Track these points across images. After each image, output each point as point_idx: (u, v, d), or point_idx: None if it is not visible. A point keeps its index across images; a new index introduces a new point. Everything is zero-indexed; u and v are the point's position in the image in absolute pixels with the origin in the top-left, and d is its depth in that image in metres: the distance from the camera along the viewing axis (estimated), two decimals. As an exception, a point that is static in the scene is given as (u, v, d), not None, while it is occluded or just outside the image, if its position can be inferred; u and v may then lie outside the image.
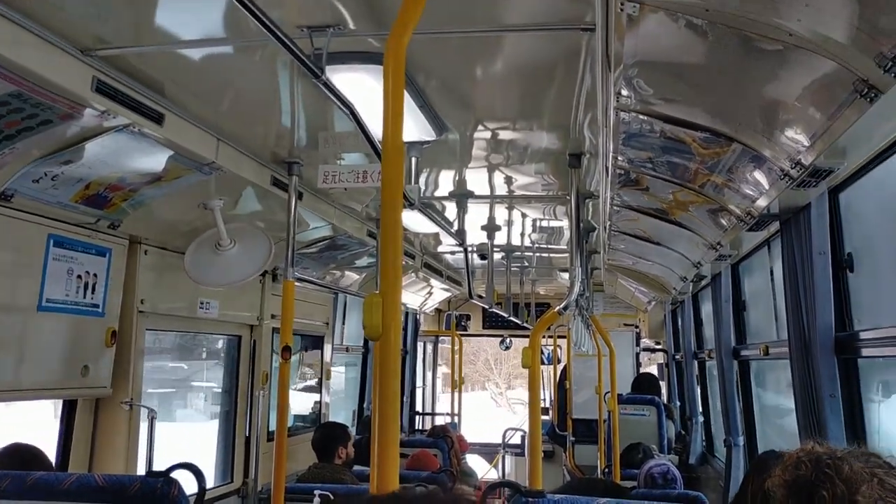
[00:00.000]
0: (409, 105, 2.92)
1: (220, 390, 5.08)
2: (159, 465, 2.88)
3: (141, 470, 3.67)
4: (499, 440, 10.40)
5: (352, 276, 6.45)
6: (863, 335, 2.74)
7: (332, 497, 4.13)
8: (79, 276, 3.33)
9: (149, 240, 3.83)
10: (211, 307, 4.40)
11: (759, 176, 2.88)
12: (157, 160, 3.13)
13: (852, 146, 2.37)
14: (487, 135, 3.58)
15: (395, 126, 1.57)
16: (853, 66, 1.82)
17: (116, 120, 2.66)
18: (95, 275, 3.44)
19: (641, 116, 2.68)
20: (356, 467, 5.00)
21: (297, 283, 3.78)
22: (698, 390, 7.33)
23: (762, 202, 3.08)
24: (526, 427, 11.41)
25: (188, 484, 2.34)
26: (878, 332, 2.62)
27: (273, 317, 5.14)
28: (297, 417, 6.21)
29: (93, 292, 3.43)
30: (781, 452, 2.31)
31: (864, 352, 2.71)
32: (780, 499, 1.51)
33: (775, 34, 1.84)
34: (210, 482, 4.66)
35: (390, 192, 1.57)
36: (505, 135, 3.57)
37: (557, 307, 3.49)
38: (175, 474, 2.31)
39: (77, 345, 3.41)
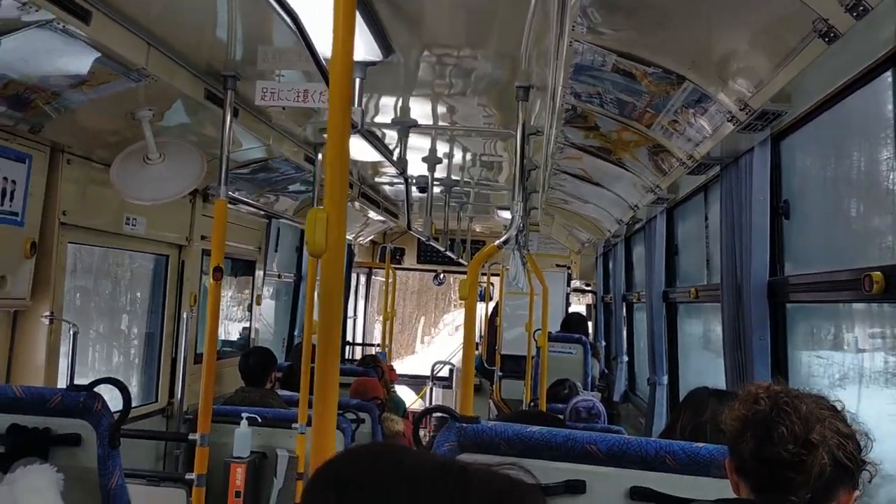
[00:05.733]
0: (357, 20, 2.78)
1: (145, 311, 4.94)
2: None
3: (63, 386, 3.55)
4: (426, 373, 10.58)
5: (286, 202, 6.29)
6: (793, 280, 2.81)
7: (259, 420, 4.12)
8: (-5, 182, 3.13)
9: (72, 149, 3.61)
10: (138, 224, 4.22)
11: (705, 118, 2.89)
12: (82, 62, 2.92)
13: (801, 91, 2.38)
14: (433, 60, 3.47)
15: (345, 41, 1.48)
16: (815, 3, 1.80)
17: (39, 14, 2.45)
18: (14, 182, 3.23)
19: (595, 47, 2.62)
20: (284, 392, 4.99)
21: (229, 205, 3.64)
22: (625, 331, 7.53)
23: (705, 145, 3.10)
24: (454, 361, 11.61)
25: (111, 402, 2.26)
26: (807, 278, 2.69)
27: (203, 238, 4.98)
28: (225, 342, 6.11)
29: (11, 200, 3.22)
30: (713, 389, 2.38)
31: (794, 297, 2.79)
32: (735, 433, 1.53)
33: (742, -35, 1.80)
34: (133, 401, 4.57)
35: (338, 105, 1.49)
36: (452, 62, 3.47)
37: (497, 241, 3.47)
38: (98, 390, 2.22)
39: (-8, 254, 3.22)
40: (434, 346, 28.25)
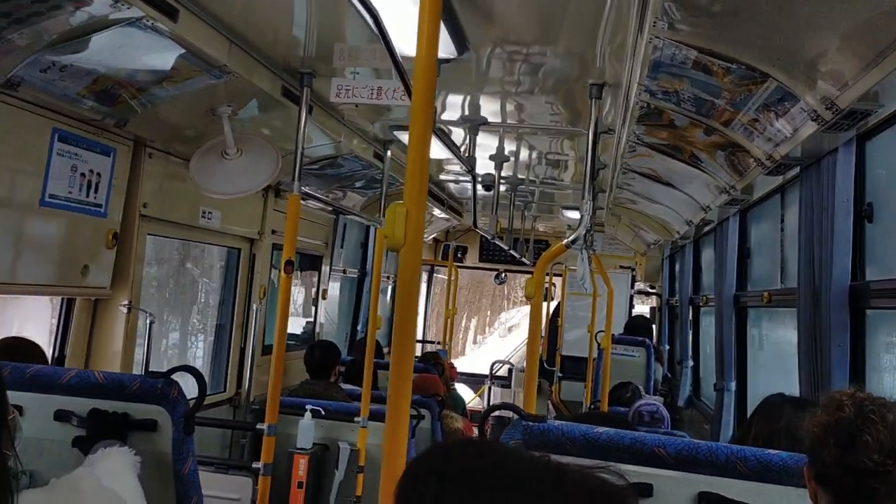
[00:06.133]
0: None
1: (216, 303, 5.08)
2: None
3: (137, 372, 3.67)
4: (485, 371, 10.59)
5: (353, 198, 6.37)
6: (876, 286, 2.71)
7: (322, 412, 4.18)
8: (82, 175, 3.24)
9: (154, 143, 3.73)
10: (213, 217, 4.33)
11: (786, 117, 2.80)
12: (167, 58, 3.01)
13: (891, 89, 2.29)
14: (505, 57, 3.44)
15: (430, 41, 1.50)
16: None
17: (129, 11, 2.53)
18: (99, 174, 3.35)
19: (674, 43, 2.57)
20: (346, 386, 5.06)
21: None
22: (690, 335, 7.38)
23: (786, 145, 3.01)
24: (513, 360, 11.54)
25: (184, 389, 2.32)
26: (893, 284, 2.59)
27: (273, 232, 5.09)
28: (290, 335, 6.22)
29: (95, 192, 3.35)
30: (789, 396, 2.32)
31: (876, 302, 2.69)
32: (817, 439, 1.49)
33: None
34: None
35: (421, 103, 1.51)
36: (522, 58, 3.43)
37: (565, 241, 3.44)
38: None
39: (77, 244, 3.34)
40: (486, 348, 27.98)
